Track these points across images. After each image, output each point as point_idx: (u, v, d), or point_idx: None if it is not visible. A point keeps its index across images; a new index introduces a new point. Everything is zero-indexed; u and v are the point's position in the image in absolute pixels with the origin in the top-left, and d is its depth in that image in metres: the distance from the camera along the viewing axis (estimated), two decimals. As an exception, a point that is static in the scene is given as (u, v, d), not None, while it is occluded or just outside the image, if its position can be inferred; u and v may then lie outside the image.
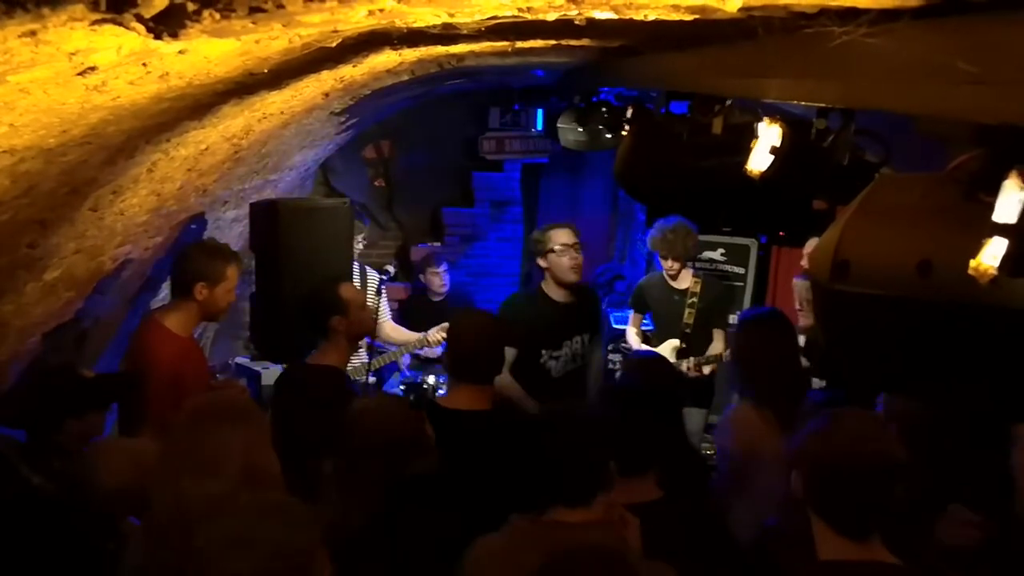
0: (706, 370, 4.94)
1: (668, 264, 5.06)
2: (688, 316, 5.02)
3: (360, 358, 4.73)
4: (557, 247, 4.18)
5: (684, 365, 4.88)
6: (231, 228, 4.73)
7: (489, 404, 3.04)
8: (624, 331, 5.88)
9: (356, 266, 4.77)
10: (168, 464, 2.01)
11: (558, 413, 2.31)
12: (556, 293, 4.26)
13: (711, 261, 6.30)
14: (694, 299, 5.03)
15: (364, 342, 4.39)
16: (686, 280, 5.09)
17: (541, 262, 4.26)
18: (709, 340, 5.06)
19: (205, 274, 3.30)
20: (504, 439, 2.79)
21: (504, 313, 4.23)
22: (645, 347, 5.14)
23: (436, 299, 5.95)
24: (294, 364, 3.61)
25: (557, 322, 4.23)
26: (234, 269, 3.41)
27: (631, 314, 5.44)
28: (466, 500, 2.50)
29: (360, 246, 5.02)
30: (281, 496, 1.77)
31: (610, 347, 6.12)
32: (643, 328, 5.46)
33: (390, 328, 5.22)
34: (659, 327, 5.25)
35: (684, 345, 5.00)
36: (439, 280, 5.93)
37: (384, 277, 4.93)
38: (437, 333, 4.89)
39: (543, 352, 4.19)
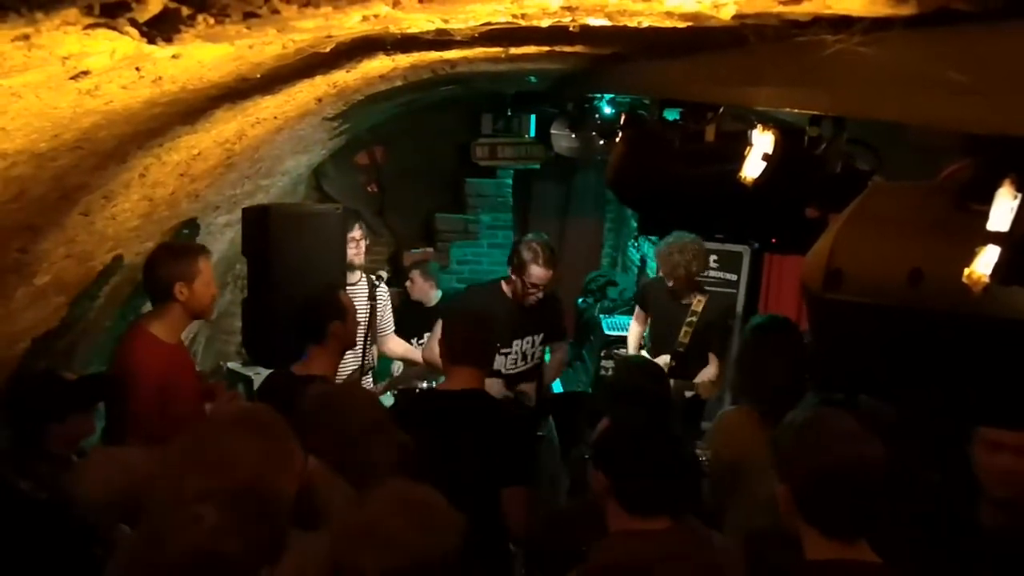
0: (687, 394, 4.73)
1: (669, 281, 4.89)
2: (684, 335, 4.85)
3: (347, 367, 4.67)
4: (527, 278, 4.23)
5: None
6: (223, 233, 4.72)
7: (481, 385, 3.17)
8: (617, 337, 5.85)
9: (361, 275, 4.75)
10: (173, 463, 1.98)
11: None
12: (514, 296, 4.33)
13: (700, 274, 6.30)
14: (693, 318, 4.85)
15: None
16: (690, 296, 4.92)
17: (512, 272, 4.31)
18: (703, 360, 4.86)
19: (180, 274, 3.27)
20: (496, 415, 3.06)
21: (460, 302, 4.33)
22: (643, 353, 5.04)
23: (428, 305, 5.91)
24: (278, 372, 3.54)
25: (509, 321, 4.24)
26: (205, 261, 3.38)
27: (637, 310, 5.29)
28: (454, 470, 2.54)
29: (358, 238, 4.87)
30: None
31: (603, 353, 6.12)
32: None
33: (394, 343, 5.09)
34: (656, 334, 5.10)
35: (675, 363, 4.81)
36: (410, 286, 5.79)
37: (377, 283, 4.90)
38: None
39: None
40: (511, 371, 4.37)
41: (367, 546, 1.61)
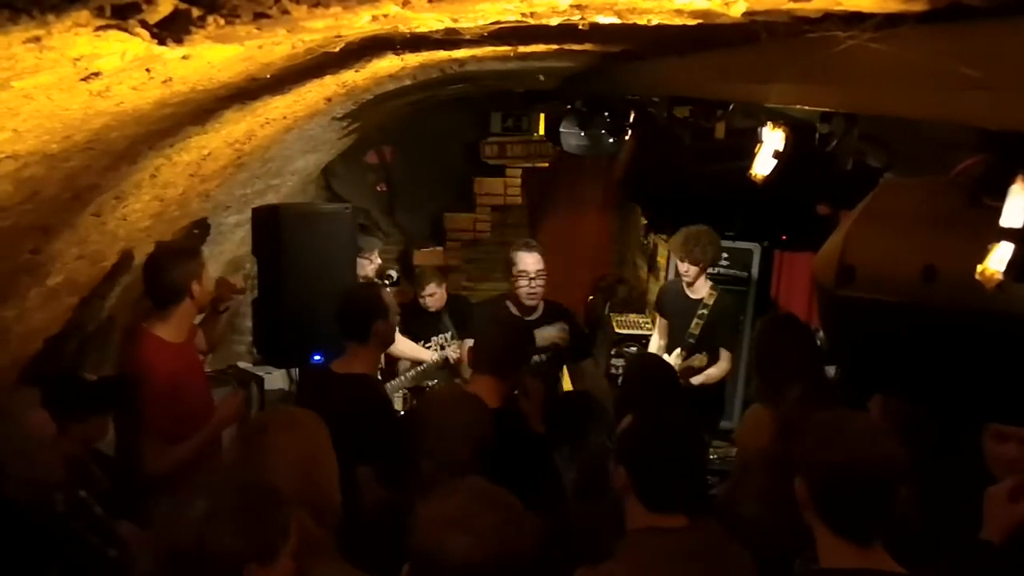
0: (696, 381, 4.72)
1: (684, 268, 4.91)
2: (695, 327, 4.88)
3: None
4: (516, 271, 4.20)
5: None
6: (233, 233, 4.73)
7: (500, 401, 3.06)
8: (625, 336, 5.85)
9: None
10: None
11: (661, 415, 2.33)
12: (519, 310, 4.27)
13: (714, 265, 6.29)
14: (704, 310, 4.89)
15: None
16: (702, 290, 4.95)
17: (511, 281, 4.27)
18: (712, 354, 4.86)
19: (193, 271, 3.30)
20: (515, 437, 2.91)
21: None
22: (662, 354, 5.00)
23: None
24: (319, 371, 3.54)
25: None
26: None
27: (658, 320, 5.26)
28: None
29: (377, 262, 4.96)
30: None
31: (612, 351, 6.11)
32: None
33: (401, 343, 4.96)
34: (672, 335, 5.08)
35: (685, 354, 4.87)
36: (432, 299, 5.56)
37: (385, 283, 4.90)
38: (457, 350, 4.84)
39: None
40: None
41: (456, 533, 1.59)
